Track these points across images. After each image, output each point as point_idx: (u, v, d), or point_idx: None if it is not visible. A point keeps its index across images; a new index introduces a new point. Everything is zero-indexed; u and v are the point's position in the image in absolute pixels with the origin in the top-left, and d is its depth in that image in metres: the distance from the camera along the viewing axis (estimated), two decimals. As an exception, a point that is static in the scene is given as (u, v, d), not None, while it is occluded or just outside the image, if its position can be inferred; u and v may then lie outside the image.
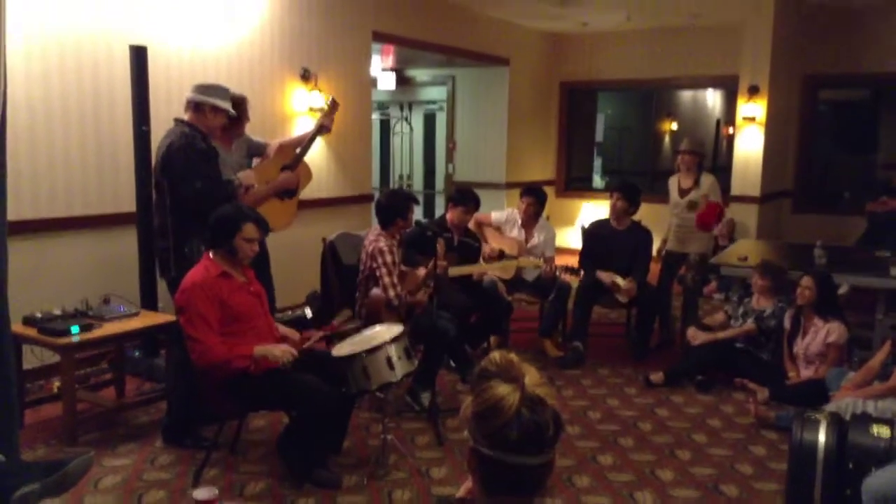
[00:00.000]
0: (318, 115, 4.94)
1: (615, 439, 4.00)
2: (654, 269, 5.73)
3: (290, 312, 5.12)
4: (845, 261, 5.57)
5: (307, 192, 5.75)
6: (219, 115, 3.93)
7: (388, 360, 3.37)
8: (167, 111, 4.40)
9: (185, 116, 3.90)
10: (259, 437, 3.92)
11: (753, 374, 4.73)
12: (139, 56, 4.39)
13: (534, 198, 5.51)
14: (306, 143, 4.52)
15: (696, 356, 4.88)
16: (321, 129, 4.57)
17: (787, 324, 4.73)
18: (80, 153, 4.58)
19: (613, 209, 5.44)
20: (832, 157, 9.92)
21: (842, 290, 5.55)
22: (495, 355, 1.41)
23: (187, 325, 3.19)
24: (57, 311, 3.96)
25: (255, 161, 4.53)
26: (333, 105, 4.65)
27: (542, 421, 1.32)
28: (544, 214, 5.69)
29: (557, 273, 5.23)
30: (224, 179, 3.94)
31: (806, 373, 4.58)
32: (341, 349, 3.49)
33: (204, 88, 3.93)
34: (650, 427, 4.18)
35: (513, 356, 1.40)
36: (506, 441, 1.31)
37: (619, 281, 5.14)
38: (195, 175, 3.73)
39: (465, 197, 5.00)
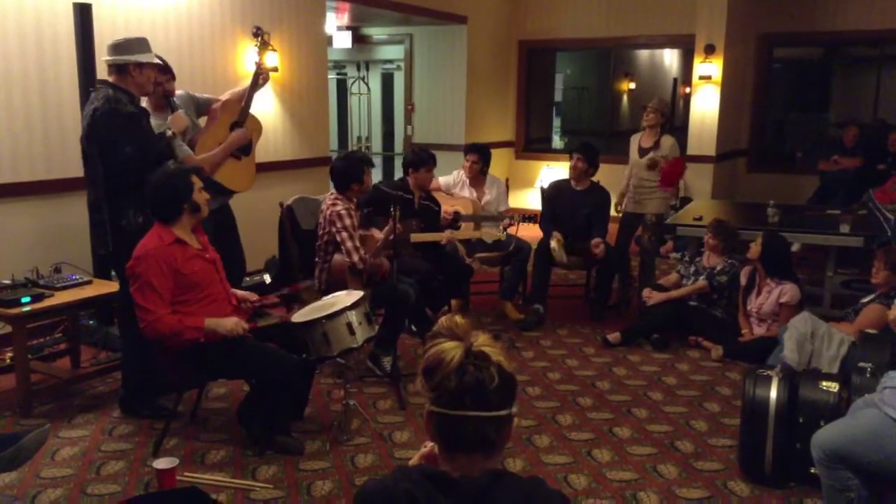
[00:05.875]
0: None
1: (574, 399, 4.07)
2: (613, 229, 5.79)
3: (248, 279, 5.06)
4: (797, 219, 5.69)
5: (263, 156, 5.66)
6: (145, 70, 3.62)
7: (349, 325, 3.36)
8: (115, 72, 4.25)
9: (111, 80, 3.60)
10: (220, 406, 3.90)
11: (707, 331, 4.84)
12: (83, 14, 4.22)
13: (478, 154, 5.59)
14: (248, 94, 4.37)
15: (651, 315, 4.96)
16: (258, 75, 4.39)
17: (742, 280, 4.83)
18: (25, 116, 4.42)
19: (574, 170, 5.48)
20: (786, 116, 10.07)
21: (794, 248, 5.69)
22: (444, 320, 1.45)
23: (137, 295, 3.13)
24: (6, 281, 3.85)
25: (202, 120, 4.41)
26: (263, 42, 4.43)
27: (483, 375, 1.35)
28: (504, 177, 5.70)
29: (517, 223, 5.30)
30: (156, 135, 3.67)
31: (759, 330, 4.69)
32: (301, 315, 3.47)
33: (120, 47, 3.58)
34: (608, 386, 4.25)
35: (460, 319, 1.44)
36: (447, 393, 1.35)
37: (555, 247, 5.17)
38: (124, 140, 3.46)
39: (422, 158, 4.97)
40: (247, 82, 4.48)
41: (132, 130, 3.51)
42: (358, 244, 4.13)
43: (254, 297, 3.57)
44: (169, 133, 3.71)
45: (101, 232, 3.60)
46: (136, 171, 3.44)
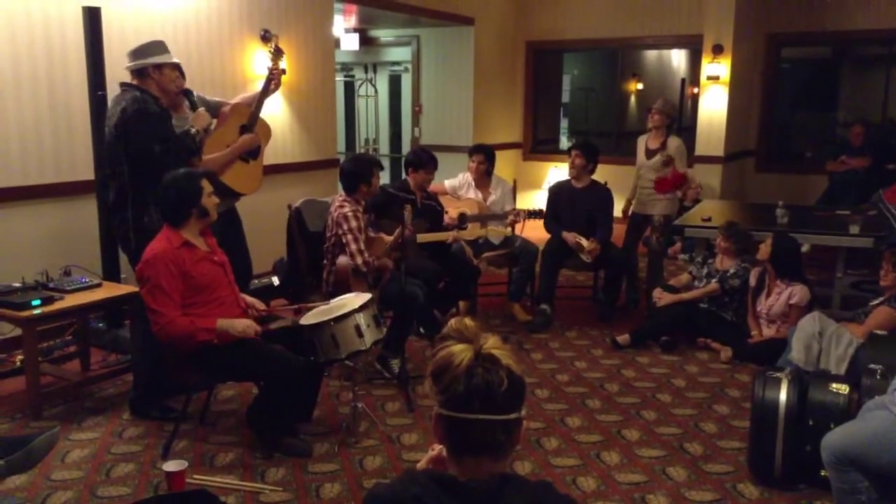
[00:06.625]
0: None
1: (583, 401, 4.06)
2: (620, 230, 5.77)
3: (256, 281, 5.07)
4: (806, 220, 5.66)
5: (271, 158, 5.67)
6: (165, 71, 3.75)
7: (357, 328, 3.36)
8: (123, 75, 4.26)
9: (134, 83, 3.73)
10: (228, 408, 3.91)
11: (717, 333, 4.82)
12: (93, 17, 4.24)
13: (483, 155, 5.61)
14: (259, 99, 4.37)
15: (660, 317, 4.94)
16: (269, 80, 4.39)
17: (752, 281, 4.81)
18: (35, 120, 4.44)
19: (572, 166, 5.49)
20: (794, 116, 10.02)
21: (804, 249, 5.67)
22: (453, 322, 1.45)
23: (148, 298, 3.15)
24: (16, 284, 3.87)
25: (214, 122, 4.41)
26: (276, 48, 4.45)
27: (493, 378, 1.35)
28: (512, 178, 5.71)
29: (523, 219, 5.32)
30: (180, 133, 3.76)
31: (768, 332, 4.67)
32: (309, 318, 3.47)
33: (139, 52, 3.73)
34: (616, 388, 4.24)
35: (469, 321, 1.44)
36: (455, 396, 1.35)
37: (584, 242, 5.18)
38: (153, 139, 3.58)
39: (423, 159, 5.01)
40: (255, 85, 4.49)
41: (160, 129, 3.63)
42: (363, 247, 4.13)
43: (261, 305, 3.59)
44: (192, 131, 3.78)
45: (125, 228, 3.66)
46: (162, 169, 3.47)
